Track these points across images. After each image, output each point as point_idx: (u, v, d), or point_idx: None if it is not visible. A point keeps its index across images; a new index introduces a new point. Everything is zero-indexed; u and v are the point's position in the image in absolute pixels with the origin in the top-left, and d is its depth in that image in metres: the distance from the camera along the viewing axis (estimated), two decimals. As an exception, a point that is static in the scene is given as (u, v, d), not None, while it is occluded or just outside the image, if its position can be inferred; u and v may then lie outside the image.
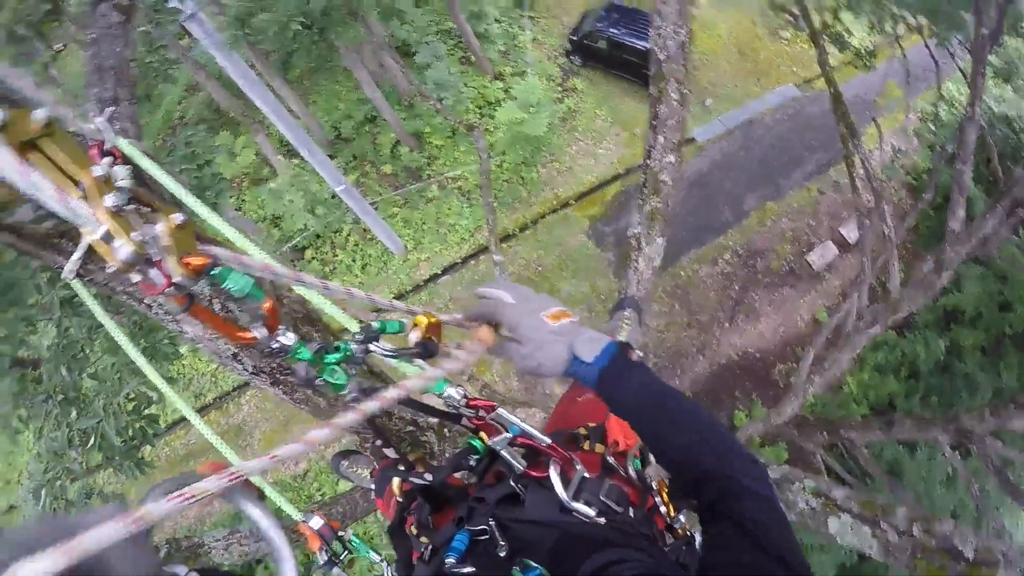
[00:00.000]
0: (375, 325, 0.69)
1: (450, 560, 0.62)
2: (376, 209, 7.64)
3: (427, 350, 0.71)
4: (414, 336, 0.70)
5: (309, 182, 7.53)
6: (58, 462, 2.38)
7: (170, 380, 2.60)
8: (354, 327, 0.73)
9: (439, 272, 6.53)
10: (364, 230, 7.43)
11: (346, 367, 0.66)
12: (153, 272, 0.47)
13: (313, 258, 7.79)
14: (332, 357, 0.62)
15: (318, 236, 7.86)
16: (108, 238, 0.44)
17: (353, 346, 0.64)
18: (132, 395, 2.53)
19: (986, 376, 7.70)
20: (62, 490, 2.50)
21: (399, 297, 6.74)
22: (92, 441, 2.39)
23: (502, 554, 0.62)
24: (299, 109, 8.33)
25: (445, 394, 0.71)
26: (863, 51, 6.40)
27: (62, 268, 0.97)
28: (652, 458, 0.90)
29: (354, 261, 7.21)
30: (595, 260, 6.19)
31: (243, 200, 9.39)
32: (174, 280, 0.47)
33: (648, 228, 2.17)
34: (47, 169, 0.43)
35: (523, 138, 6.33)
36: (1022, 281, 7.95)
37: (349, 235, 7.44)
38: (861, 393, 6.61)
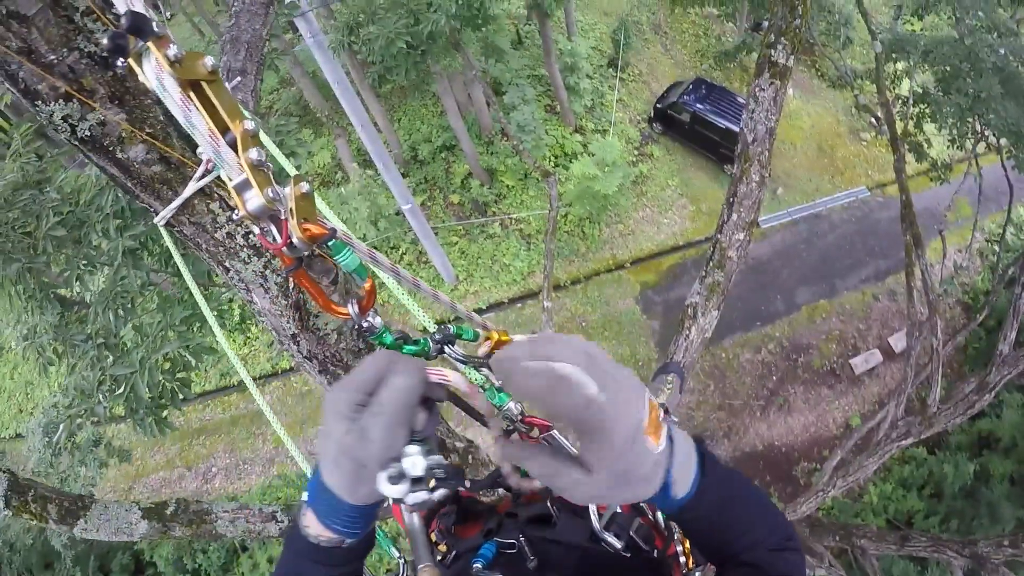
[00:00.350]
0: (452, 329, 0.67)
1: (477, 565, 0.61)
2: (436, 235, 8.04)
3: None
4: (483, 349, 0.68)
5: (377, 195, 8.00)
6: (84, 401, 2.38)
7: (210, 350, 2.69)
8: (432, 326, 0.74)
9: (484, 308, 6.88)
10: (420, 252, 7.85)
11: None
12: (273, 229, 0.49)
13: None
14: (410, 348, 0.62)
15: (375, 248, 8.22)
16: (243, 187, 0.46)
17: (431, 343, 0.64)
18: (171, 355, 2.53)
19: (1011, 507, 7.57)
20: (78, 428, 2.52)
21: (440, 323, 7.02)
22: (122, 389, 2.36)
23: (531, 566, 0.61)
24: (383, 123, 8.90)
25: (505, 406, 0.67)
26: (940, 163, 6.50)
27: (153, 213, 1.03)
28: None
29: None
30: (639, 326, 6.43)
31: (311, 198, 9.86)
32: (292, 239, 0.49)
33: (707, 299, 2.19)
34: (206, 110, 0.45)
35: (592, 194, 6.64)
36: None
37: (405, 254, 7.86)
38: (881, 504, 6.64)
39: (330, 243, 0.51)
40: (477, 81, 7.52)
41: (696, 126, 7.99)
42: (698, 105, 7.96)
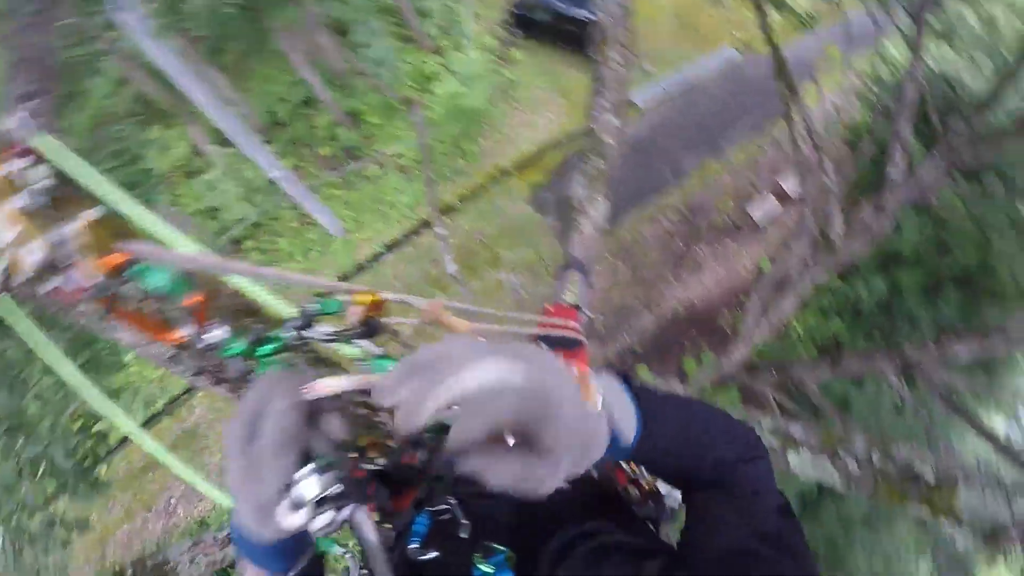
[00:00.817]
0: (311, 308, 0.64)
1: (413, 546, 0.58)
2: (315, 192, 7.46)
3: (369, 329, 0.67)
4: (355, 316, 0.65)
5: (244, 170, 7.48)
6: (11, 497, 2.30)
7: (116, 392, 2.73)
8: (292, 312, 0.70)
9: (382, 251, 6.54)
10: (303, 215, 7.37)
11: (287, 357, 0.63)
12: (73, 275, 0.45)
13: (254, 248, 7.65)
14: (266, 349, 0.58)
15: (257, 225, 7.71)
16: (20, 243, 0.42)
17: (287, 334, 0.60)
18: (78, 413, 2.47)
19: (927, 313, 7.98)
20: (20, 526, 2.43)
21: (343, 279, 6.61)
22: (42, 469, 2.31)
23: (464, 535, 0.59)
24: (232, 95, 8.15)
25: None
26: (804, 15, 6.54)
27: None
28: None
29: (294, 247, 7.12)
30: (538, 227, 6.27)
31: (178, 194, 9.08)
32: (91, 283, 0.45)
33: (592, 190, 2.17)
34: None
35: (462, 111, 6.35)
36: (959, 226, 8.24)
37: (288, 221, 7.24)
38: (807, 335, 6.89)
39: (133, 269, 0.49)
40: (320, 27, 6.96)
41: (555, 22, 7.86)
42: (554, 0, 7.73)
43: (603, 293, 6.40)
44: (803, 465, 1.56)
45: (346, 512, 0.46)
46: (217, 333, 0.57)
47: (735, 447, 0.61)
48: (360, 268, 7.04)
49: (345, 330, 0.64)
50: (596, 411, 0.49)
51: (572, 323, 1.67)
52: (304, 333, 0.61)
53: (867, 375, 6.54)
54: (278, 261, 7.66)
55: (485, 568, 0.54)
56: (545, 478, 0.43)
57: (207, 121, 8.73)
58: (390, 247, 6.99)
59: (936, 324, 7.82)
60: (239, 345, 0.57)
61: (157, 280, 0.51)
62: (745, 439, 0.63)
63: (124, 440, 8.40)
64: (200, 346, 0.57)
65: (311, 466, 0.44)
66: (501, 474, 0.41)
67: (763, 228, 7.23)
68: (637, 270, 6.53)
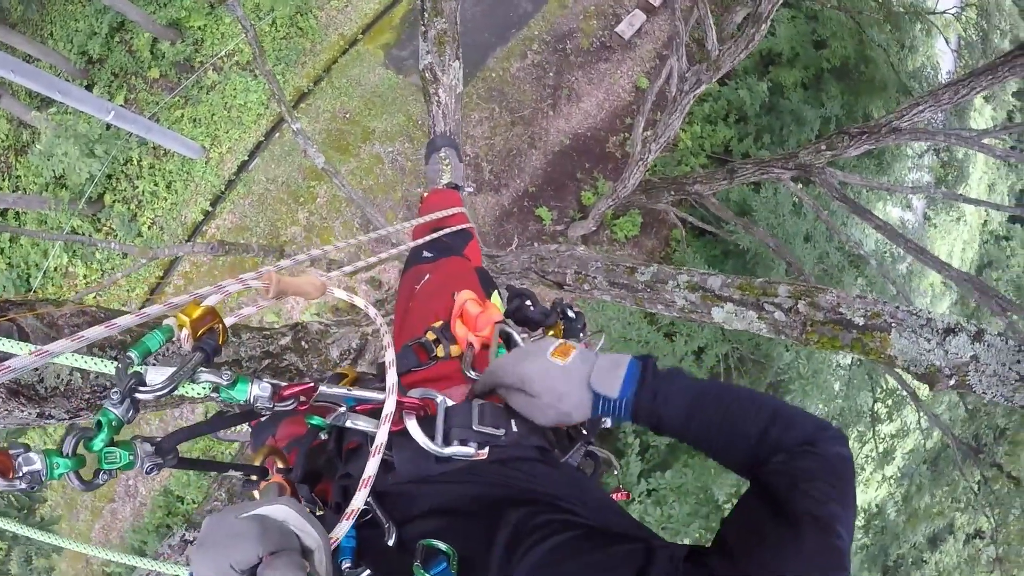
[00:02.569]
0: (133, 355, 0.55)
1: (346, 565, 0.54)
2: (158, 120, 6.81)
3: (207, 352, 0.59)
4: (185, 341, 0.59)
5: (76, 125, 6.66)
6: None
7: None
8: (109, 368, 0.59)
9: (247, 159, 6.05)
10: (155, 148, 6.76)
11: (130, 444, 0.54)
12: None
13: (114, 201, 7.02)
14: (97, 442, 0.50)
15: (110, 176, 7.03)
16: None
17: (115, 409, 0.52)
18: None
19: (811, 109, 8.23)
20: None
21: (216, 200, 6.11)
22: None
23: (390, 543, 0.56)
24: (36, 50, 7.65)
25: (251, 397, 0.58)
26: None
27: None
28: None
29: (156, 185, 6.56)
30: (401, 88, 5.94)
31: (17, 176, 8.08)
32: None
33: (439, 55, 2.00)
34: None
35: None
36: (832, 18, 8.34)
37: (141, 160, 6.73)
38: (696, 145, 7.00)
39: None
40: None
41: None
42: None
43: (485, 141, 6.22)
44: (728, 319, 1.53)
45: None
46: (33, 459, 0.47)
47: (792, 435, 0.59)
48: (230, 183, 6.59)
49: (179, 369, 0.55)
50: (562, 363, 0.66)
51: (456, 209, 1.60)
52: (136, 395, 0.53)
53: (763, 181, 6.80)
54: (144, 205, 7.07)
55: None
56: (531, 403, 0.67)
57: (19, 88, 7.73)
58: (254, 152, 6.51)
59: (821, 119, 8.14)
60: (63, 460, 0.48)
61: None
62: (794, 419, 0.61)
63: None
64: (22, 486, 0.47)
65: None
66: (529, 408, 0.68)
67: (634, 44, 7.13)
68: (514, 111, 6.37)
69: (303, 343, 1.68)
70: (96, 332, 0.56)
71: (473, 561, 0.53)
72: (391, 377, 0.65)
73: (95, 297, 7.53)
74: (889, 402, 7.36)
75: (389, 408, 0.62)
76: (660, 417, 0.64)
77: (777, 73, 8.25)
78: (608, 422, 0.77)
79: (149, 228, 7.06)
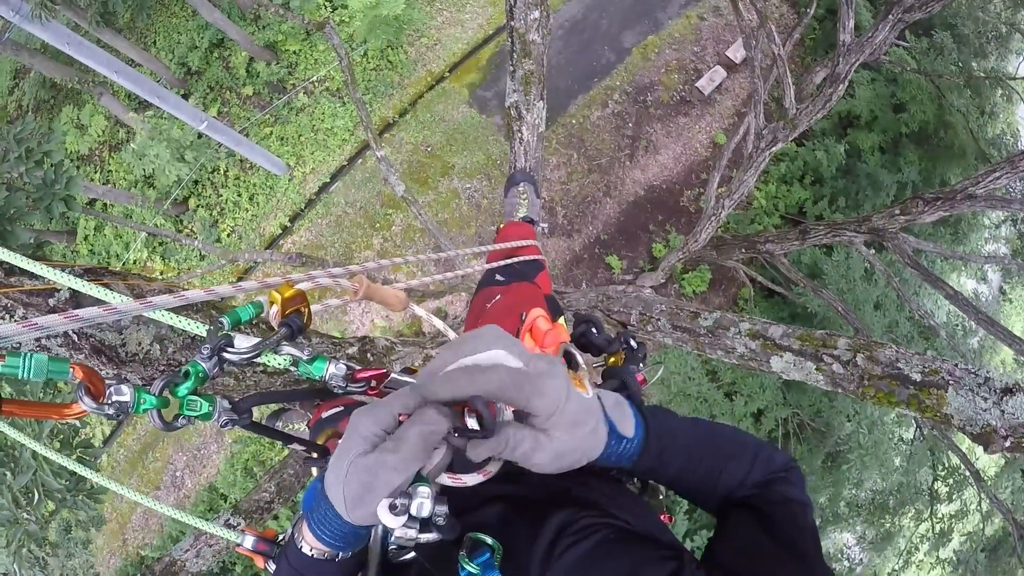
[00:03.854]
0: (224, 321, 0.60)
1: (392, 547, 0.56)
2: (247, 135, 7.19)
3: (292, 329, 0.63)
4: (274, 317, 0.62)
5: (170, 130, 7.12)
6: (16, 528, 2.39)
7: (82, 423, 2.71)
8: (201, 331, 0.65)
9: (328, 181, 6.30)
10: (241, 160, 7.13)
11: (209, 390, 0.60)
12: None
13: (198, 206, 7.42)
14: (183, 388, 0.55)
15: (196, 182, 7.43)
16: None
17: (204, 363, 0.56)
18: (55, 431, 2.55)
19: (888, 173, 8.10)
20: (32, 551, 2.56)
21: (295, 217, 6.41)
22: (37, 496, 2.38)
23: (452, 536, 0.57)
24: (139, 56, 8.13)
25: (328, 375, 0.61)
26: None
27: None
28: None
29: (240, 195, 6.89)
30: (482, 128, 6.11)
31: (109, 171, 8.66)
32: None
33: (525, 93, 2.07)
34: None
35: (382, 21, 6.05)
36: (912, 82, 8.23)
37: (227, 171, 7.10)
38: (771, 205, 6.96)
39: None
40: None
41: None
42: None
43: (562, 186, 6.32)
44: (786, 368, 1.54)
45: (425, 538, 0.49)
46: (124, 390, 0.51)
47: (759, 468, 0.63)
48: (310, 202, 6.87)
49: (266, 339, 0.58)
50: (587, 395, 0.55)
51: (530, 242, 1.64)
52: (223, 355, 0.57)
53: (835, 244, 6.68)
54: (226, 213, 7.43)
55: (470, 568, 0.52)
56: (541, 445, 0.51)
57: (119, 89, 8.31)
58: (336, 175, 6.78)
59: (898, 184, 7.96)
60: (150, 397, 0.52)
61: (30, 369, 0.46)
62: (769, 459, 0.64)
63: (112, 434, 8.42)
64: (109, 411, 0.51)
65: (428, 489, 0.48)
66: (509, 440, 0.51)
67: (713, 100, 7.16)
68: (592, 158, 6.46)
69: (369, 356, 1.71)
70: (197, 294, 0.62)
71: (516, 556, 0.55)
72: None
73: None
74: (950, 481, 7.03)
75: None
76: (657, 467, 0.61)
77: (855, 136, 8.14)
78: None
79: (228, 235, 7.42)
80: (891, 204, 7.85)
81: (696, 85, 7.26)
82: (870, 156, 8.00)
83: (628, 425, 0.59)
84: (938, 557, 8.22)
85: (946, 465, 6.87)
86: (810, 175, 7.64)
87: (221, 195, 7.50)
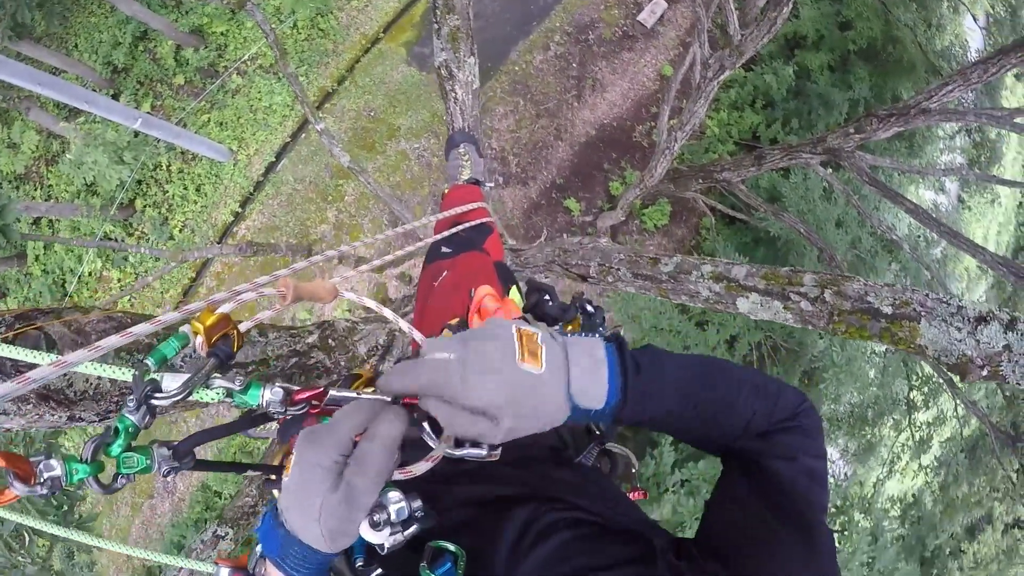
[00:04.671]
0: (149, 362, 0.57)
1: (359, 562, 0.55)
2: (185, 126, 6.91)
3: (221, 358, 0.61)
4: (200, 347, 0.61)
5: (104, 133, 6.78)
6: (16, 572, 2.34)
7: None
8: (127, 376, 0.62)
9: (273, 160, 6.09)
10: (183, 153, 6.86)
11: (147, 448, 0.55)
12: None
13: (145, 206, 7.12)
14: (115, 448, 0.52)
15: (140, 182, 7.15)
16: None
17: (131, 416, 0.53)
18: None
19: (839, 91, 8.05)
20: None
21: (245, 202, 6.19)
22: (28, 538, 2.33)
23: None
24: (61, 62, 7.77)
25: (264, 402, 0.59)
26: None
27: None
28: None
29: (186, 188, 6.65)
30: (424, 85, 5.93)
31: (49, 185, 8.28)
32: None
33: (454, 51, 1.99)
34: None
35: None
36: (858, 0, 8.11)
37: (170, 165, 6.86)
38: (724, 132, 6.90)
39: None
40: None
41: None
42: None
43: (511, 134, 6.19)
44: (753, 308, 1.50)
45: (409, 533, 0.48)
46: (53, 466, 0.49)
47: (764, 416, 0.57)
48: (259, 185, 6.66)
49: (194, 375, 0.56)
50: (537, 371, 0.50)
51: (477, 204, 1.59)
52: (152, 401, 0.55)
53: (792, 167, 6.66)
54: (175, 208, 7.18)
55: None
56: (491, 429, 0.50)
57: (47, 100, 7.92)
58: (281, 153, 6.57)
59: (850, 102, 7.95)
60: (82, 466, 0.50)
61: None
62: (774, 404, 0.58)
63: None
64: (43, 491, 0.49)
65: (398, 491, 0.47)
66: (460, 423, 0.51)
67: (656, 32, 7.03)
68: (539, 103, 6.33)
69: (330, 341, 1.68)
70: (112, 341, 0.59)
71: (481, 559, 0.53)
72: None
73: (129, 300, 7.70)
74: (925, 389, 7.20)
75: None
76: (641, 421, 0.57)
77: (803, 56, 8.07)
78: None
79: (180, 231, 7.18)
80: (844, 122, 7.85)
81: (638, 19, 7.07)
82: (820, 76, 7.95)
83: (598, 394, 0.53)
84: (920, 465, 8.48)
85: (920, 375, 7.02)
86: (761, 99, 7.57)
87: (167, 191, 7.23)
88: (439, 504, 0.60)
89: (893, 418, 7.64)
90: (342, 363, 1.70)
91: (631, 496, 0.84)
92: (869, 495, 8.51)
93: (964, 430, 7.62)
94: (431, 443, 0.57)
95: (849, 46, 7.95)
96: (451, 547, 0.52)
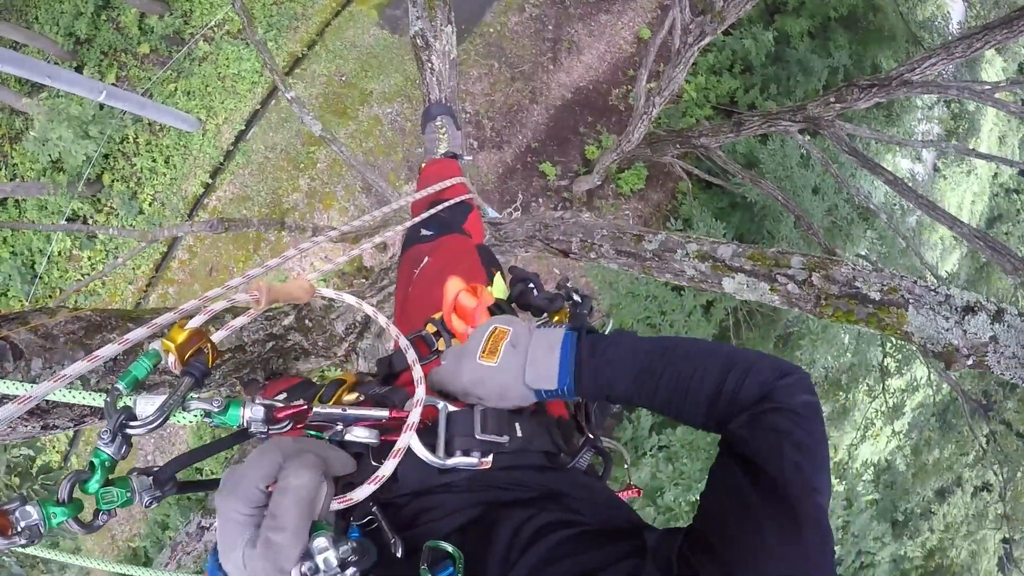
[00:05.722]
0: (120, 386, 0.55)
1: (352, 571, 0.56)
2: (151, 96, 6.66)
3: (196, 377, 0.59)
4: (173, 366, 0.59)
5: (68, 108, 6.52)
6: (2, 571, 2.37)
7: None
8: (98, 402, 0.59)
9: (243, 128, 5.90)
10: (150, 124, 6.64)
11: (126, 480, 0.53)
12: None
13: (113, 180, 6.87)
14: (92, 484, 0.50)
15: (107, 156, 6.91)
16: None
17: (107, 449, 0.51)
18: (13, 464, 2.44)
19: (818, 58, 7.94)
20: None
21: (216, 172, 5.99)
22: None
23: (398, 554, 0.54)
24: (23, 36, 7.56)
25: (245, 421, 0.57)
26: None
27: None
28: None
29: (155, 161, 6.44)
30: (396, 48, 5.74)
31: (14, 164, 8.00)
32: None
33: (430, 19, 1.94)
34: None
35: None
36: None
37: (137, 138, 6.62)
38: (701, 97, 6.78)
39: None
40: None
41: None
42: None
43: (486, 98, 6.04)
44: (739, 289, 1.48)
45: (350, 573, 0.46)
46: (29, 513, 0.45)
47: (735, 383, 0.56)
48: (229, 154, 6.46)
49: (170, 397, 0.54)
50: (491, 364, 0.64)
51: (455, 180, 1.53)
52: (127, 430, 0.52)
53: (770, 133, 6.58)
54: (144, 182, 6.96)
55: None
56: (490, 405, 0.66)
57: (7, 76, 7.60)
58: (251, 121, 6.36)
59: (829, 69, 7.86)
60: (59, 509, 0.47)
61: None
62: (750, 373, 0.56)
63: (71, 445, 8.08)
64: (22, 541, 0.44)
65: (326, 536, 0.45)
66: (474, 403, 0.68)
67: (635, -5, 6.86)
68: (514, 66, 6.16)
69: (307, 321, 1.63)
70: (77, 368, 0.56)
71: (476, 565, 0.54)
72: (419, 392, 0.65)
73: (101, 281, 7.49)
74: (899, 356, 7.27)
75: (414, 417, 0.62)
76: (607, 395, 0.63)
77: (783, 22, 7.95)
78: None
79: (150, 205, 6.96)
80: (823, 89, 7.78)
81: (615, -18, 6.97)
82: (799, 42, 7.84)
83: (550, 378, 0.62)
84: (893, 430, 8.63)
85: (893, 342, 7.09)
86: (739, 64, 7.47)
87: (135, 164, 6.99)
88: (436, 511, 0.61)
89: (867, 384, 7.73)
90: (320, 343, 1.66)
91: (625, 494, 0.88)
92: (843, 460, 8.66)
93: (936, 396, 7.73)
94: (427, 458, 0.61)
95: (830, 13, 7.85)
96: (449, 548, 0.53)
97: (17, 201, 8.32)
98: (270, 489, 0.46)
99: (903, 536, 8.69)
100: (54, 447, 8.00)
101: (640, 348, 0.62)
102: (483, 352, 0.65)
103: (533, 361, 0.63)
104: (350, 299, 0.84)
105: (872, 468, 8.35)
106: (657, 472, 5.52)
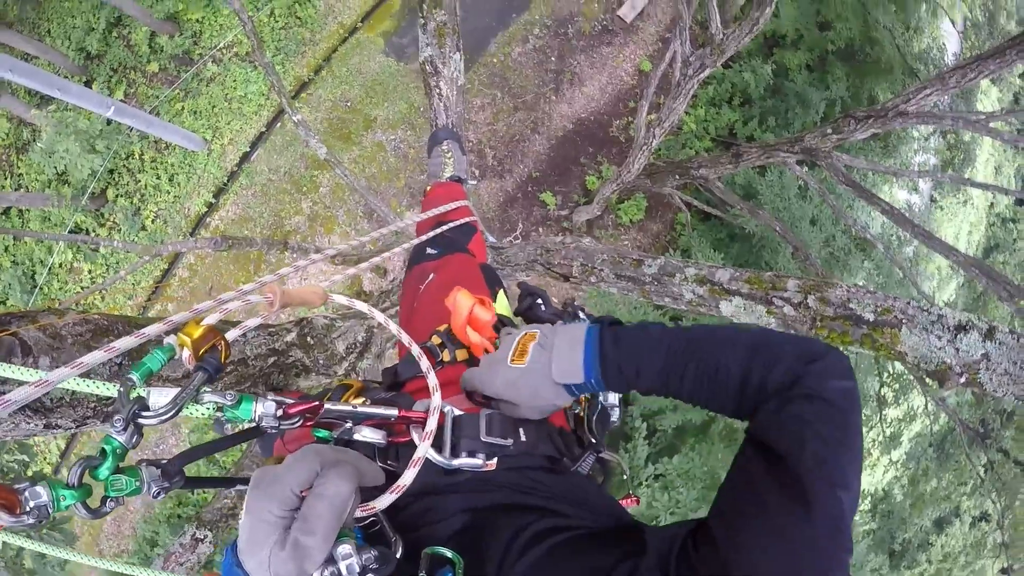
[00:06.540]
0: (134, 377, 0.55)
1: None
2: (158, 114, 6.73)
3: (210, 371, 0.59)
4: (187, 361, 0.59)
5: (76, 121, 6.61)
6: None
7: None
8: (112, 392, 0.59)
9: (248, 150, 5.95)
10: (156, 142, 6.69)
11: (136, 469, 0.54)
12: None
13: (117, 195, 6.92)
14: (103, 470, 0.51)
15: (112, 171, 6.96)
16: None
17: (119, 437, 0.52)
18: (7, 469, 2.49)
19: (816, 91, 8.04)
20: None
21: (219, 192, 6.03)
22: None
23: (398, 555, 0.53)
24: (35, 48, 7.73)
25: (257, 416, 0.57)
26: None
27: None
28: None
29: (159, 178, 6.48)
30: (401, 76, 5.83)
31: (19, 174, 8.04)
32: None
33: (439, 47, 1.99)
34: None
35: None
36: (838, 1, 8.12)
37: (143, 154, 6.68)
38: (701, 129, 6.86)
39: None
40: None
41: None
42: None
43: (488, 127, 6.10)
44: (736, 312, 1.51)
45: None
46: (39, 493, 0.46)
47: (763, 368, 0.54)
48: (233, 175, 6.50)
49: (183, 390, 0.55)
50: (521, 366, 0.65)
51: (460, 203, 1.58)
52: (140, 420, 0.53)
53: (769, 165, 6.64)
54: (147, 198, 7.00)
55: None
56: (522, 411, 0.68)
57: (18, 87, 7.70)
58: (256, 143, 6.42)
59: (826, 101, 7.97)
60: (69, 492, 0.49)
61: None
62: (779, 359, 0.54)
63: (67, 448, 8.01)
64: (31, 521, 0.46)
65: (350, 544, 0.46)
66: (505, 409, 0.70)
67: (636, 27, 6.98)
68: (516, 95, 6.25)
69: (308, 339, 1.66)
70: (95, 357, 0.56)
71: (475, 568, 0.53)
72: (435, 399, 0.66)
73: (100, 294, 7.49)
74: (896, 386, 7.25)
75: (431, 426, 0.63)
76: (635, 386, 0.63)
77: (781, 55, 8.07)
78: (614, 417, 0.84)
79: (153, 221, 7.00)
80: (821, 121, 7.88)
81: (618, 13, 6.97)
82: (797, 75, 7.95)
83: (576, 373, 0.62)
84: (891, 460, 8.56)
85: (891, 371, 7.07)
86: (739, 96, 7.57)
87: (139, 180, 7.04)
88: (437, 513, 0.61)
89: (864, 414, 7.69)
90: (320, 361, 1.68)
91: (624, 503, 0.88)
92: (841, 489, 8.56)
93: (933, 426, 7.69)
94: (434, 457, 0.63)
95: (828, 46, 7.97)
96: (448, 553, 0.52)
97: (21, 211, 8.37)
98: (303, 494, 0.46)
99: (900, 566, 8.57)
100: (45, 459, 7.93)
101: (664, 340, 0.61)
102: (514, 356, 0.67)
103: (559, 356, 0.63)
104: (362, 306, 0.85)
105: (869, 498, 8.27)
106: (653, 501, 5.47)
